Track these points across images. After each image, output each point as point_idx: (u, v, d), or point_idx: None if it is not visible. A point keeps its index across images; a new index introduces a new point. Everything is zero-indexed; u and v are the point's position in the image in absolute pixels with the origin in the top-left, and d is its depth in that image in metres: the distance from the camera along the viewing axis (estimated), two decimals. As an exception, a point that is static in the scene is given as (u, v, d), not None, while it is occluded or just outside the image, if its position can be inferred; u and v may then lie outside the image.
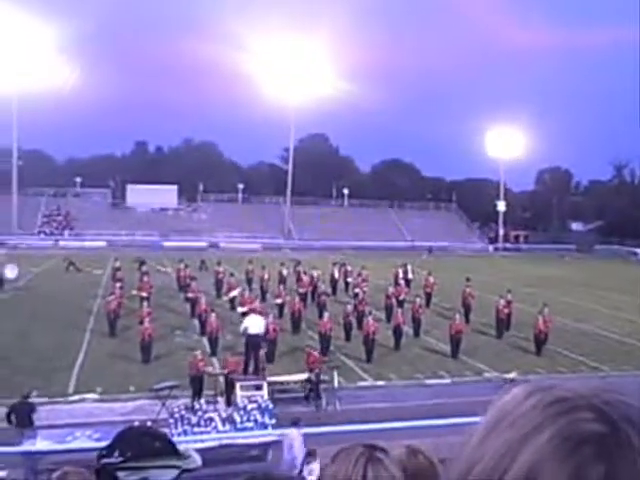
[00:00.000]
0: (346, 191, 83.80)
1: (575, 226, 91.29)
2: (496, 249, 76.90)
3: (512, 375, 20.19)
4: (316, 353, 19.53)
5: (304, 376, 18.25)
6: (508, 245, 79.51)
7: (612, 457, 0.55)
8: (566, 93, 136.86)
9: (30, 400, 14.77)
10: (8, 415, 13.90)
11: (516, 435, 0.59)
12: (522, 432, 0.58)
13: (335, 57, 69.48)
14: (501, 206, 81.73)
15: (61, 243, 61.70)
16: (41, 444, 13.20)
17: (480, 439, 0.61)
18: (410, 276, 36.67)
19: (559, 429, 0.57)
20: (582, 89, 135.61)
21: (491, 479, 0.57)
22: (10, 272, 34.58)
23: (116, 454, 1.84)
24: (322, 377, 18.12)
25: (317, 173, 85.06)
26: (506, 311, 26.95)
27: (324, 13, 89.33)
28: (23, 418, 13.91)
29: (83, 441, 13.05)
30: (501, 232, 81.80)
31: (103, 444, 1.97)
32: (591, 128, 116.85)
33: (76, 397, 17.68)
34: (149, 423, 13.44)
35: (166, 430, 13.24)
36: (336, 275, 35.78)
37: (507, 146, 79.49)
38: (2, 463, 12.89)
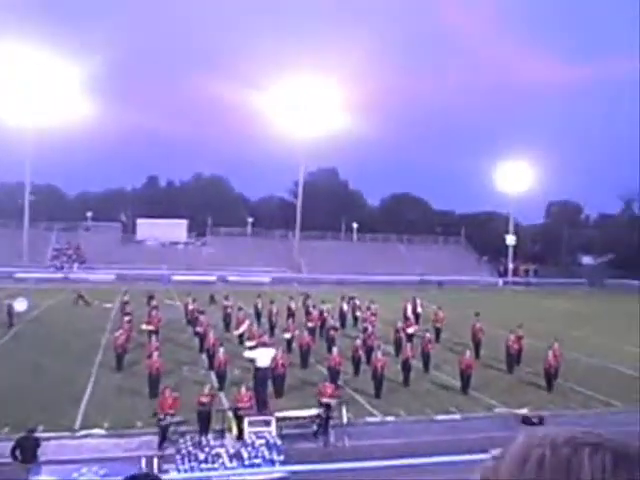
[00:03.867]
0: (355, 225, 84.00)
1: (585, 260, 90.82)
2: (506, 283, 76.53)
3: (524, 411, 19.95)
4: (329, 385, 19.33)
5: (313, 411, 18.06)
6: (518, 279, 79.13)
7: None
8: (574, 127, 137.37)
9: (36, 435, 14.65)
10: (13, 450, 13.76)
11: None
12: None
13: (345, 92, 69.91)
14: (510, 240, 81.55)
15: (71, 276, 61.91)
16: (47, 480, 13.08)
17: None
18: (419, 310, 36.51)
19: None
20: (590, 123, 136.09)
21: None
22: (20, 305, 34.72)
23: None
24: (331, 413, 17.92)
25: (326, 207, 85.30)
26: (516, 346, 26.69)
27: (333, 49, 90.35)
28: (28, 453, 13.77)
29: (89, 477, 12.93)
30: (510, 266, 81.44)
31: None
32: (599, 161, 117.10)
33: (83, 432, 17.53)
34: (155, 459, 13.32)
35: (173, 466, 13.10)
36: (345, 309, 35.66)
37: (516, 180, 79.61)
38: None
